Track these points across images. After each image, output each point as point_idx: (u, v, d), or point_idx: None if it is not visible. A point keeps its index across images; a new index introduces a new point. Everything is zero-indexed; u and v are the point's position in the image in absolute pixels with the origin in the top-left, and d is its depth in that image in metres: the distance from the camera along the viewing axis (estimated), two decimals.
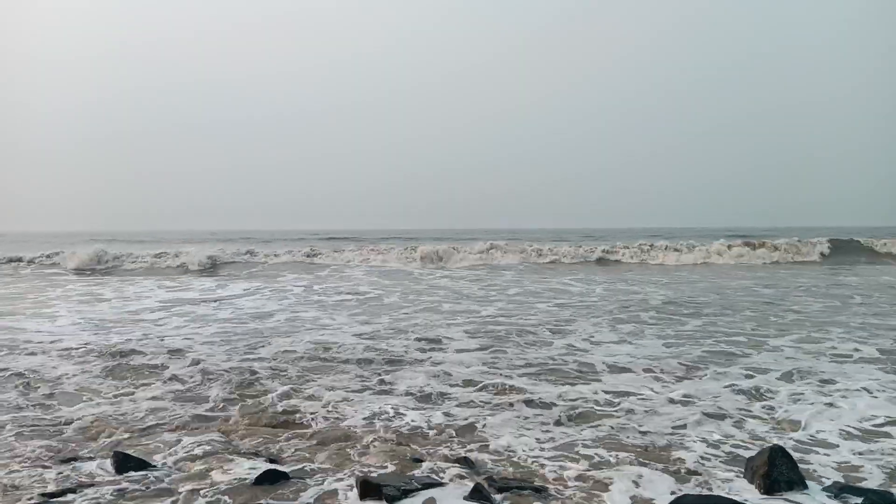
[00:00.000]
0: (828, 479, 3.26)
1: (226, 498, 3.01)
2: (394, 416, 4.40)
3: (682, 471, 3.40)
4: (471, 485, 3.05)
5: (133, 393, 5.10)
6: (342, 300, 11.77)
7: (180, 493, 3.07)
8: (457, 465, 3.40)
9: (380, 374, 5.66)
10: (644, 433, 4.04)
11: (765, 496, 3.00)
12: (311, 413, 4.47)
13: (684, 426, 4.17)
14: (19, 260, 21.31)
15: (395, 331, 8.02)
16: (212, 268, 20.39)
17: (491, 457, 3.65)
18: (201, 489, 3.11)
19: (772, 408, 4.56)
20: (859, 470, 3.41)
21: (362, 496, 2.94)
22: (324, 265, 21.29)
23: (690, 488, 3.15)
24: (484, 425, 4.20)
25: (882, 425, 4.13)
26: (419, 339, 7.37)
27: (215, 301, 11.63)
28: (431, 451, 3.72)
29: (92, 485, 3.16)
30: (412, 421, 4.30)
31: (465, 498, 2.94)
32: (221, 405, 4.74)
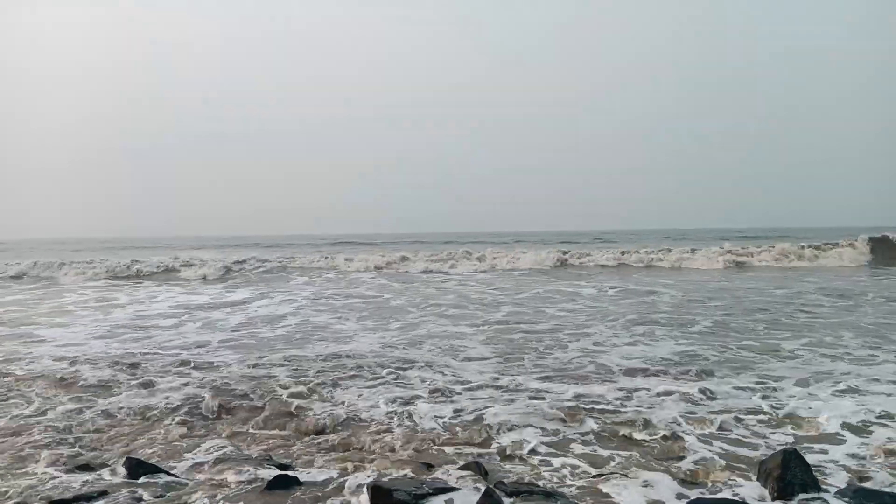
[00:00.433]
0: (841, 482, 3.23)
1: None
2: (406, 418, 4.43)
3: (695, 474, 3.39)
4: (482, 489, 3.05)
5: (145, 397, 5.14)
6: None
7: (193, 499, 3.10)
8: (468, 470, 3.41)
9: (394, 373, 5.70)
10: (656, 436, 4.02)
11: (778, 499, 2.98)
12: (324, 417, 4.49)
13: (699, 429, 4.15)
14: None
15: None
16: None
17: (502, 462, 3.65)
18: (214, 494, 3.13)
19: (781, 408, 4.53)
20: (873, 472, 3.38)
21: (374, 501, 2.94)
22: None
23: (702, 492, 3.14)
24: (498, 429, 4.21)
25: None
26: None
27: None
28: (444, 455, 3.73)
29: (105, 492, 3.19)
30: (427, 426, 4.31)
31: (477, 502, 2.93)
32: (234, 410, 4.78)
